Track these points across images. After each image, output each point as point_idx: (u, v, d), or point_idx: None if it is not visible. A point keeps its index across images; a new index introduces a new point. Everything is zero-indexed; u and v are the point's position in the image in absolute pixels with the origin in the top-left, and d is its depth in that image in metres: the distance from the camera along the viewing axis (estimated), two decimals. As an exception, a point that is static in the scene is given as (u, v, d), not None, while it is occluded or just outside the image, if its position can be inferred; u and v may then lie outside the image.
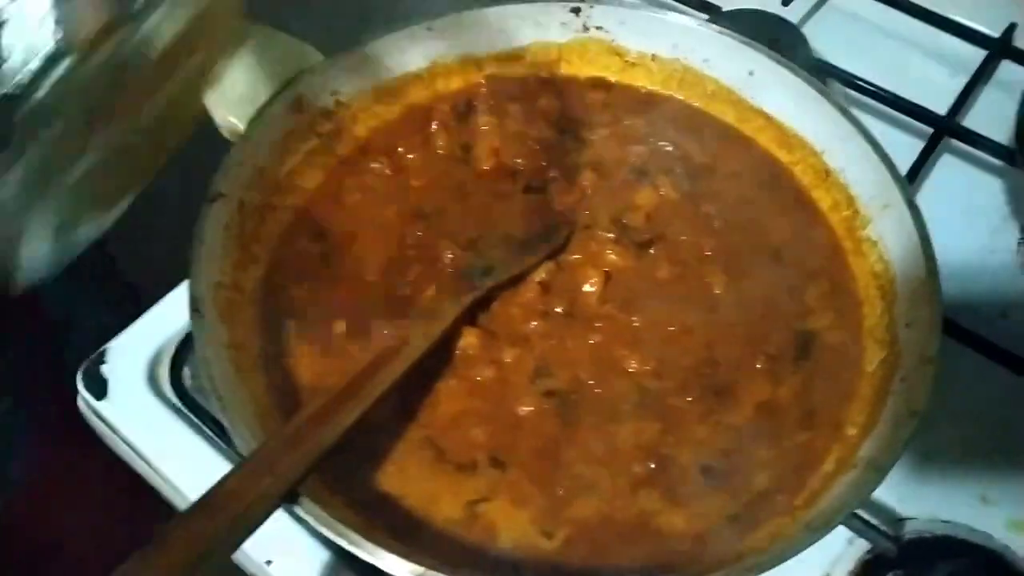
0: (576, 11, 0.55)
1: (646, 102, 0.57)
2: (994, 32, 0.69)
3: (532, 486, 0.41)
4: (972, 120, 0.65)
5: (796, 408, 0.44)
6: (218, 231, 0.45)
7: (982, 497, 0.50)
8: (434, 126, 0.54)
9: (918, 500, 0.49)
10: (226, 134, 0.49)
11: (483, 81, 0.56)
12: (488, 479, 0.41)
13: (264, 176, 0.49)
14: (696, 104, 0.56)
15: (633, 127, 0.55)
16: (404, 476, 0.41)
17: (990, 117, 0.64)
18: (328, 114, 0.52)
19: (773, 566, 0.35)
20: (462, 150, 0.53)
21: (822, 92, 0.51)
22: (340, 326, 0.46)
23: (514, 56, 0.56)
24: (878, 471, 0.37)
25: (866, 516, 0.46)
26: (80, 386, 0.51)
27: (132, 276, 0.79)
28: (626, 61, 0.57)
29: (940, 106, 0.64)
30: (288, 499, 0.36)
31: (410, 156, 0.53)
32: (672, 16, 0.55)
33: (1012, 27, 0.69)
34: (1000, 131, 0.62)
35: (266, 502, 0.35)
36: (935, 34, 0.69)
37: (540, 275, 0.48)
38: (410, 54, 0.54)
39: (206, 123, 0.49)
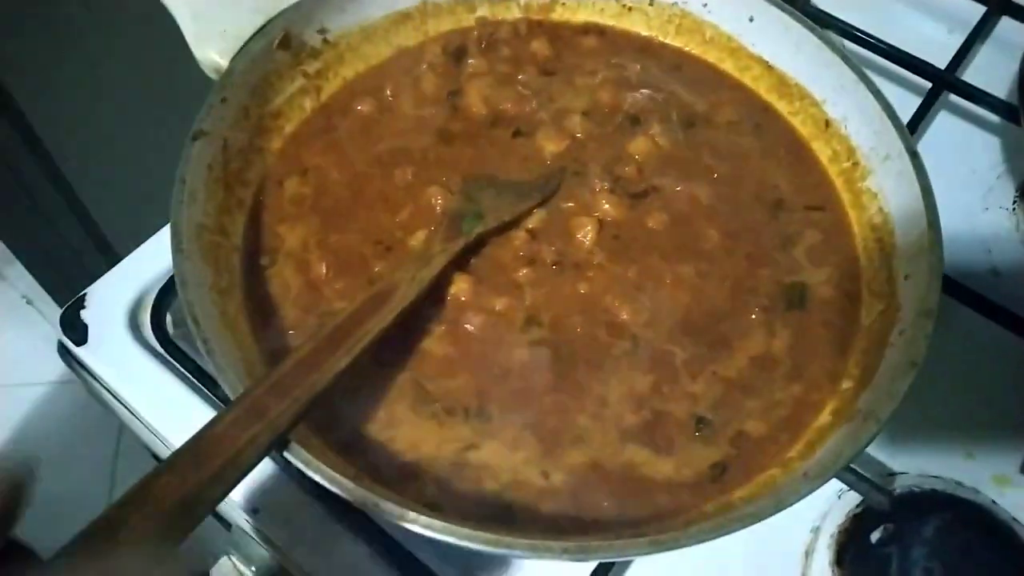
0: (573, -49, 0.53)
1: (642, 49, 0.55)
2: (994, -13, 0.68)
3: (523, 432, 0.40)
4: (970, 76, 0.64)
5: (789, 360, 0.44)
6: (201, 171, 0.43)
7: (969, 453, 0.50)
8: (423, 67, 0.52)
9: (908, 456, 0.49)
10: (208, 71, 0.47)
11: (474, 24, 0.54)
12: (476, 427, 0.41)
13: (249, 115, 0.47)
14: (693, 51, 0.55)
15: (627, 74, 0.54)
16: (392, 421, 0.41)
17: (989, 74, 0.63)
18: (315, 53, 0.50)
19: (768, 515, 0.35)
20: (451, 94, 0.52)
21: (824, 39, 0.49)
22: (321, 268, 0.45)
23: (508, -3, 0.54)
24: (876, 421, 0.37)
25: (858, 469, 0.45)
26: (60, 331, 0.50)
27: (109, 222, 0.78)
28: (623, 5, 0.55)
29: (939, 61, 0.63)
30: (278, 446, 0.35)
31: (398, 98, 0.51)
32: (671, -42, 0.54)
33: (1013, -18, 0.68)
34: (999, 88, 0.62)
35: (255, 449, 0.34)
36: (934, -11, 0.68)
37: (531, 223, 0.47)
38: (401, -8, 0.52)
39: (187, 59, 0.47)
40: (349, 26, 0.51)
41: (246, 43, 0.46)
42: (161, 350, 0.49)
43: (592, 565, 0.42)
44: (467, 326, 0.44)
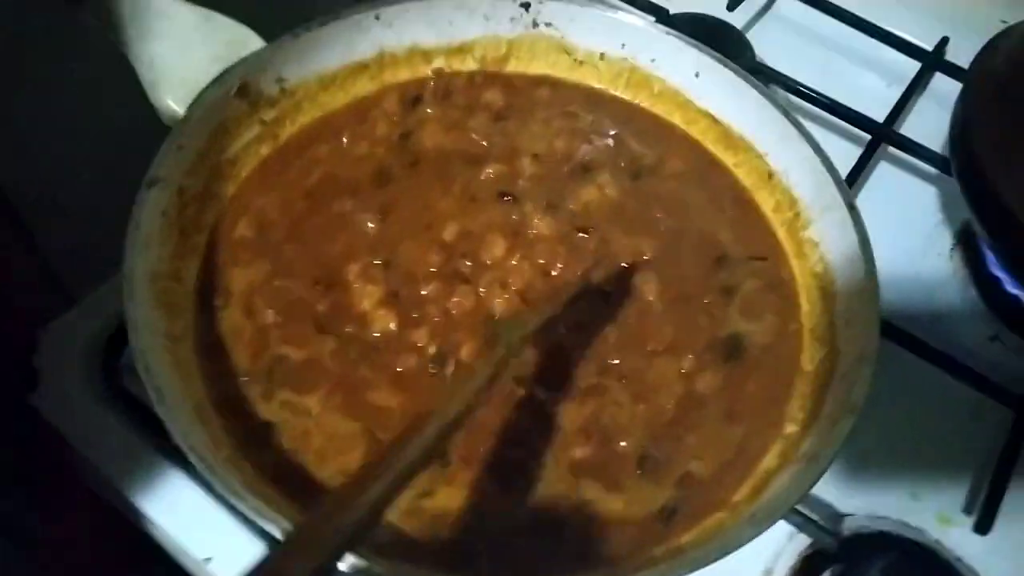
0: (526, 6, 0.55)
1: (593, 101, 0.57)
2: (928, 45, 0.71)
3: (478, 474, 0.41)
4: (908, 129, 0.67)
5: (727, 403, 0.45)
6: (156, 217, 0.44)
7: (914, 494, 0.51)
8: (378, 113, 0.53)
9: (855, 497, 0.50)
10: (164, 119, 0.48)
11: (430, 74, 0.56)
12: (431, 473, 0.41)
13: (204, 162, 0.47)
14: (643, 104, 0.57)
15: (578, 125, 0.55)
16: (345, 470, 0.41)
17: (925, 126, 0.66)
18: (272, 101, 0.51)
19: (716, 559, 0.35)
20: (402, 136, 0.53)
21: (765, 95, 0.51)
22: (267, 314, 0.45)
23: (463, 49, 0.56)
24: (818, 465, 0.38)
25: (807, 512, 0.46)
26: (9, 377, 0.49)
27: (63, 267, 0.77)
28: (574, 59, 0.57)
29: (877, 114, 0.65)
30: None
31: (351, 142, 0.52)
32: (622, 15, 0.55)
33: (944, 40, 0.71)
34: (934, 140, 0.64)
35: None
36: (873, 45, 0.71)
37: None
38: (357, 43, 0.53)
39: (144, 106, 0.48)
40: (306, 75, 0.52)
41: (203, 91, 0.47)
42: (112, 396, 0.48)
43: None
44: (398, 369, 0.44)
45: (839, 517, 0.49)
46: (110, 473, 0.46)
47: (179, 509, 0.46)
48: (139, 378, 0.39)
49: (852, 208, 0.47)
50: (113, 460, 0.46)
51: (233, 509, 0.45)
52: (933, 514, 0.50)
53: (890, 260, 0.47)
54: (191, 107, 0.47)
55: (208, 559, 0.44)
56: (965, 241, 0.62)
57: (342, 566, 0.34)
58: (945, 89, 0.68)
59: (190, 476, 0.46)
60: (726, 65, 0.53)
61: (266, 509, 0.35)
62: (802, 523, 0.45)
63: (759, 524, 0.36)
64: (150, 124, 0.49)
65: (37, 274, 0.78)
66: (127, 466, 0.46)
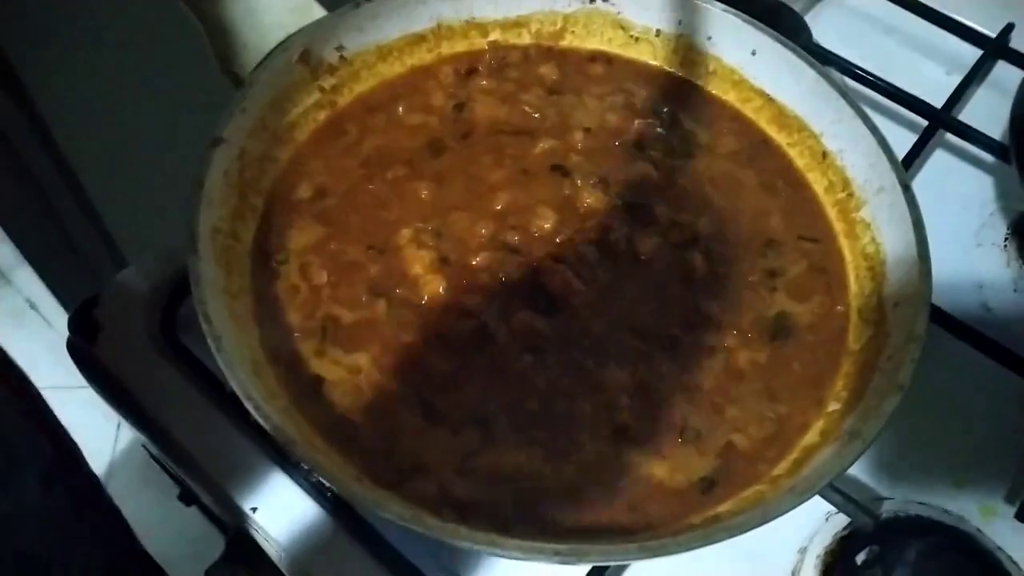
0: (583, -18, 0.55)
1: (647, 78, 0.57)
2: (991, 32, 0.70)
3: (523, 436, 0.42)
4: (966, 116, 0.65)
5: (772, 380, 0.45)
6: (218, 177, 0.45)
7: (957, 482, 0.51)
8: (434, 84, 0.54)
9: (896, 483, 0.50)
10: (229, 83, 0.49)
11: (486, 47, 0.56)
12: (478, 435, 0.42)
13: (266, 126, 0.48)
14: (697, 82, 0.57)
15: (633, 100, 0.55)
16: (396, 427, 0.42)
17: (983, 115, 0.65)
18: (332, 69, 0.52)
19: (755, 526, 0.36)
20: (456, 107, 0.54)
21: (823, 74, 0.51)
22: (322, 275, 0.46)
23: (519, 23, 0.56)
24: (862, 441, 0.38)
25: (846, 491, 0.46)
26: (70, 329, 0.51)
27: (119, 227, 0.79)
28: (630, 35, 0.57)
29: (935, 102, 0.64)
30: None
31: (407, 111, 0.53)
32: (679, -8, 0.55)
33: (1009, 27, 0.70)
34: (993, 128, 0.63)
35: None
36: (933, 31, 0.70)
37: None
38: (416, 15, 0.54)
39: (205, 68, 0.49)
40: (366, 45, 0.53)
41: (267, 56, 0.48)
42: (171, 351, 0.50)
43: (584, 570, 0.43)
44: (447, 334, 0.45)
45: (878, 500, 0.49)
46: (165, 421, 0.48)
47: (229, 459, 0.47)
48: (195, 333, 0.40)
49: (907, 188, 0.46)
50: (168, 409, 0.48)
51: (280, 462, 0.47)
52: (975, 503, 0.50)
53: (942, 248, 0.47)
54: (255, 72, 0.48)
55: (254, 509, 0.46)
56: (1021, 231, 0.61)
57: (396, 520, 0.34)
58: (1007, 78, 0.67)
59: (241, 428, 0.47)
60: (784, 44, 0.52)
61: (319, 458, 0.36)
62: (841, 502, 0.45)
63: (799, 495, 0.37)
64: (210, 88, 0.50)
65: (98, 240, 0.81)
66: (181, 415, 0.48)
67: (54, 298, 0.94)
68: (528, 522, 0.39)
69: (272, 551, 0.46)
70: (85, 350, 0.50)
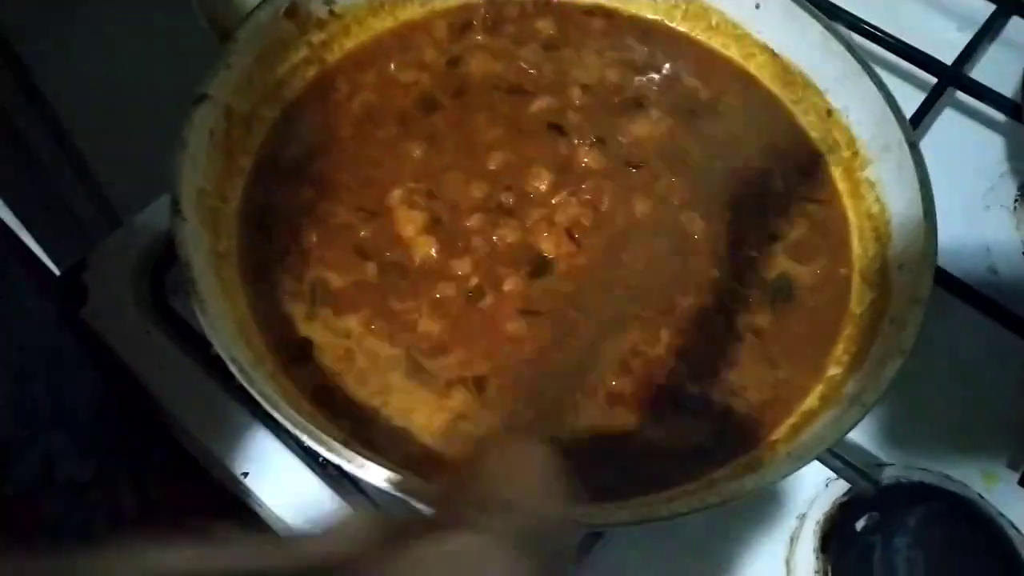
0: (582, -66, 0.53)
1: (647, 32, 0.55)
2: (1004, -14, 0.68)
3: (513, 401, 0.41)
4: (977, 75, 0.64)
5: (773, 343, 0.44)
6: (203, 136, 0.44)
7: (959, 448, 0.50)
8: (426, 39, 0.53)
9: (898, 448, 0.49)
10: (215, 36, 0.47)
11: (481, 0, 0.55)
12: (467, 398, 0.41)
13: (252, 83, 0.47)
14: (699, 36, 0.55)
15: (633, 56, 0.54)
16: (384, 388, 0.41)
17: (995, 73, 0.63)
18: (321, 24, 0.50)
19: (750, 489, 0.35)
20: (449, 63, 0.52)
21: (830, 28, 0.50)
22: (311, 236, 0.45)
23: (516, -24, 0.55)
24: (862, 406, 0.37)
25: (846, 457, 0.46)
26: (57, 293, 0.50)
27: (115, 189, 0.78)
28: (631, -12, 0.55)
29: (945, 59, 0.63)
30: None
31: (398, 68, 0.52)
32: (681, -56, 0.54)
33: (1024, -19, 0.68)
34: (1004, 87, 0.61)
35: None
36: (944, -14, 0.68)
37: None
38: (409, -34, 0.52)
39: (192, 25, 0.48)
40: (356, -1, 0.51)
41: (253, 11, 0.47)
42: (159, 314, 0.49)
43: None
44: (438, 296, 0.44)
45: (879, 466, 0.48)
46: (153, 386, 0.47)
47: (218, 424, 0.46)
48: (184, 297, 0.40)
49: (913, 147, 0.45)
50: (157, 373, 0.47)
51: (271, 426, 0.46)
52: (978, 469, 0.49)
53: (950, 210, 0.46)
54: (240, 27, 0.46)
55: (245, 474, 0.45)
56: (1031, 193, 0.59)
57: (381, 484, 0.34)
58: (1020, 35, 0.65)
59: (230, 392, 0.47)
60: (788, -3, 0.51)
61: (304, 422, 0.35)
62: (840, 467, 0.45)
63: (796, 461, 0.36)
64: (199, 44, 0.49)
65: (85, 193, 0.80)
66: (170, 379, 0.47)
67: (52, 263, 0.93)
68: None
69: (265, 515, 0.46)
70: (73, 314, 0.49)
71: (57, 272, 0.55)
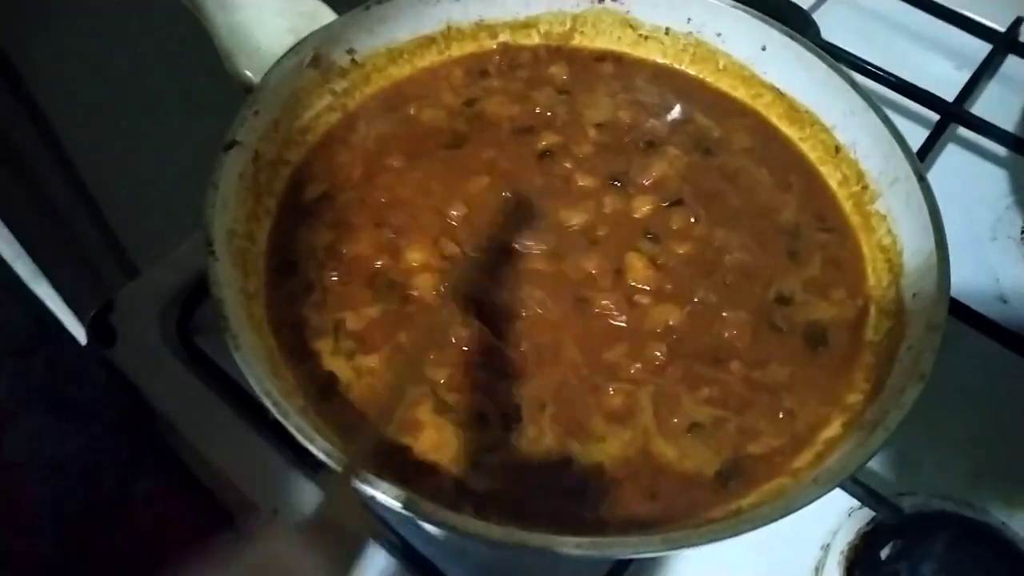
0: (591, -19, 0.55)
1: (656, 76, 0.57)
2: (1000, 26, 0.70)
3: (550, 431, 0.42)
4: (977, 111, 0.65)
5: (786, 375, 0.45)
6: (233, 179, 0.45)
7: (979, 475, 0.50)
8: (444, 84, 0.54)
9: (918, 477, 0.49)
10: (238, 86, 0.49)
11: (496, 48, 0.56)
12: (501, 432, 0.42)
13: (278, 129, 0.49)
14: (707, 79, 0.57)
15: (644, 98, 0.55)
16: (413, 426, 0.42)
17: (995, 109, 0.65)
18: (343, 72, 0.52)
19: (779, 517, 0.35)
20: (467, 103, 0.54)
21: (833, 67, 0.51)
22: (332, 276, 0.46)
23: (528, 24, 0.57)
24: (885, 430, 0.38)
25: (870, 485, 0.46)
26: (87, 334, 0.51)
27: (130, 237, 0.79)
28: (639, 34, 0.57)
29: (946, 97, 0.64)
30: None
31: (417, 111, 0.53)
32: (687, -11, 0.56)
33: (1018, 21, 0.70)
34: (1006, 121, 0.63)
35: None
36: (941, 27, 0.70)
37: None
38: (426, 17, 0.54)
39: (215, 74, 0.49)
40: (376, 47, 0.53)
41: (279, 60, 0.48)
42: (187, 354, 0.50)
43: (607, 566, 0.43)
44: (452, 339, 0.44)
45: (901, 495, 0.48)
46: (182, 424, 0.48)
47: (247, 461, 0.47)
48: (211, 336, 0.40)
49: (922, 179, 0.46)
50: (185, 412, 0.48)
51: (299, 462, 0.46)
52: (998, 495, 0.49)
53: (958, 243, 0.46)
54: (266, 76, 0.48)
55: (274, 511, 0.45)
56: (1037, 224, 0.60)
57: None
58: (1018, 72, 0.67)
59: (259, 430, 0.47)
60: (793, 38, 0.52)
61: (340, 455, 0.36)
62: (864, 495, 0.45)
63: (821, 487, 0.36)
64: (219, 94, 0.51)
65: (103, 241, 0.81)
66: (199, 417, 0.48)
67: (71, 312, 0.94)
68: (546, 515, 0.39)
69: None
70: (102, 355, 0.50)
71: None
